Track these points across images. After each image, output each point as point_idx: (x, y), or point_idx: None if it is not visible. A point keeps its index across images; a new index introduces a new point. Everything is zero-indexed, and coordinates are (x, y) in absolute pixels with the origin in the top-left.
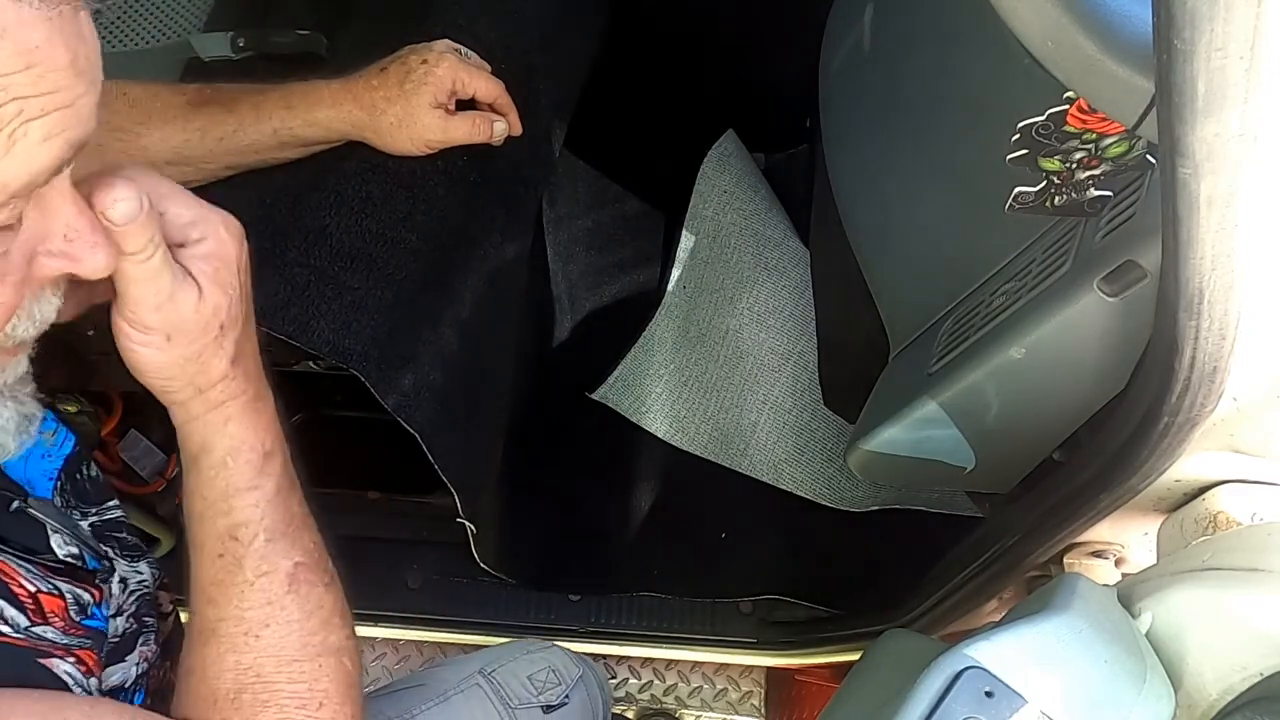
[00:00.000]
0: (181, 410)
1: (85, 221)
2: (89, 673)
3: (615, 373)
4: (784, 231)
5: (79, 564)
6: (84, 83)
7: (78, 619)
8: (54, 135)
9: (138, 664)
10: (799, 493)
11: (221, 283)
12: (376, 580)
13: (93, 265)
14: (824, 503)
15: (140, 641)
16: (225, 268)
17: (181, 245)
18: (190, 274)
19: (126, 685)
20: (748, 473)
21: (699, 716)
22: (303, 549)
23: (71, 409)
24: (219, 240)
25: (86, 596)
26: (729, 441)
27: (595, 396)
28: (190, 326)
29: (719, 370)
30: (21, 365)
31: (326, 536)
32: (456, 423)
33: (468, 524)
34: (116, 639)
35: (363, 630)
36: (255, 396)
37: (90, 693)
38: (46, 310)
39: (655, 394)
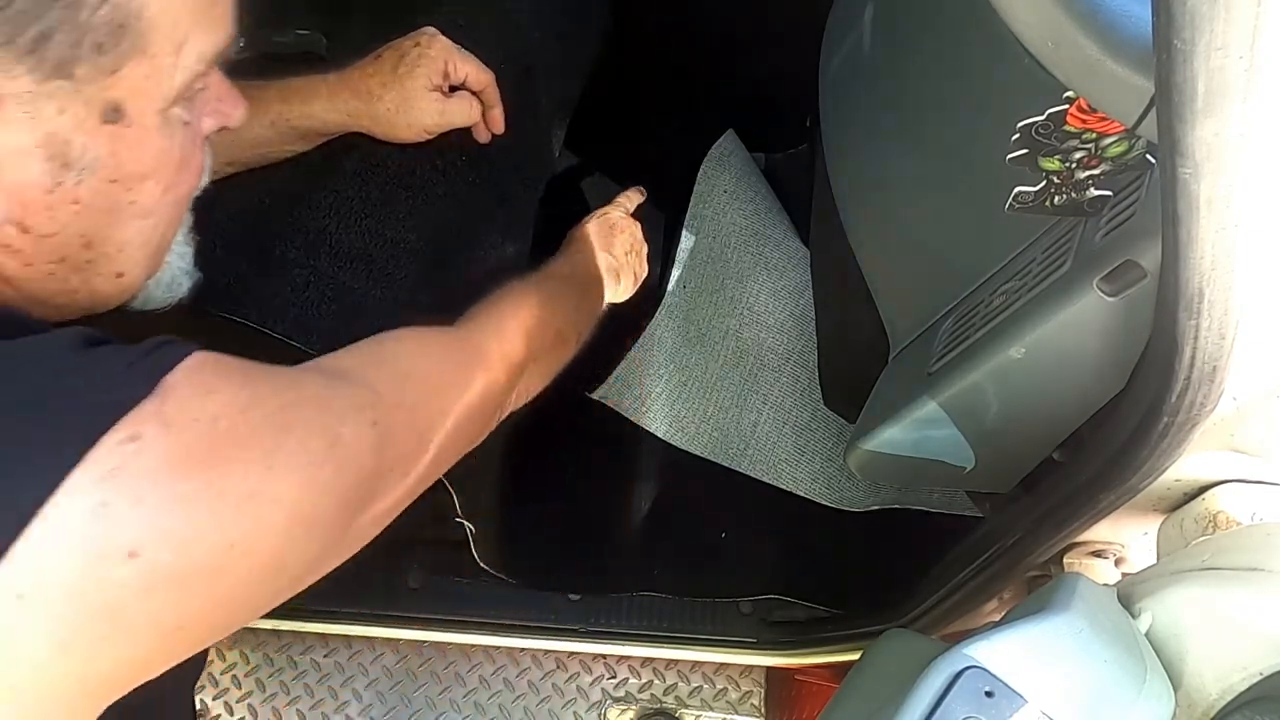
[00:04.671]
0: None
1: (227, 86)
2: None
3: (615, 372)
4: (784, 231)
5: None
6: None
7: None
8: (230, 13)
9: None
10: (799, 493)
11: None
12: (376, 580)
13: (239, 116)
14: (824, 503)
15: None
16: None
17: None
18: None
19: None
20: (748, 473)
21: (699, 716)
22: None
23: None
24: None
25: None
26: (729, 441)
27: (595, 396)
28: None
29: (719, 370)
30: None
31: None
32: None
33: (467, 524)
34: None
35: (363, 630)
36: None
37: None
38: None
39: (655, 393)
